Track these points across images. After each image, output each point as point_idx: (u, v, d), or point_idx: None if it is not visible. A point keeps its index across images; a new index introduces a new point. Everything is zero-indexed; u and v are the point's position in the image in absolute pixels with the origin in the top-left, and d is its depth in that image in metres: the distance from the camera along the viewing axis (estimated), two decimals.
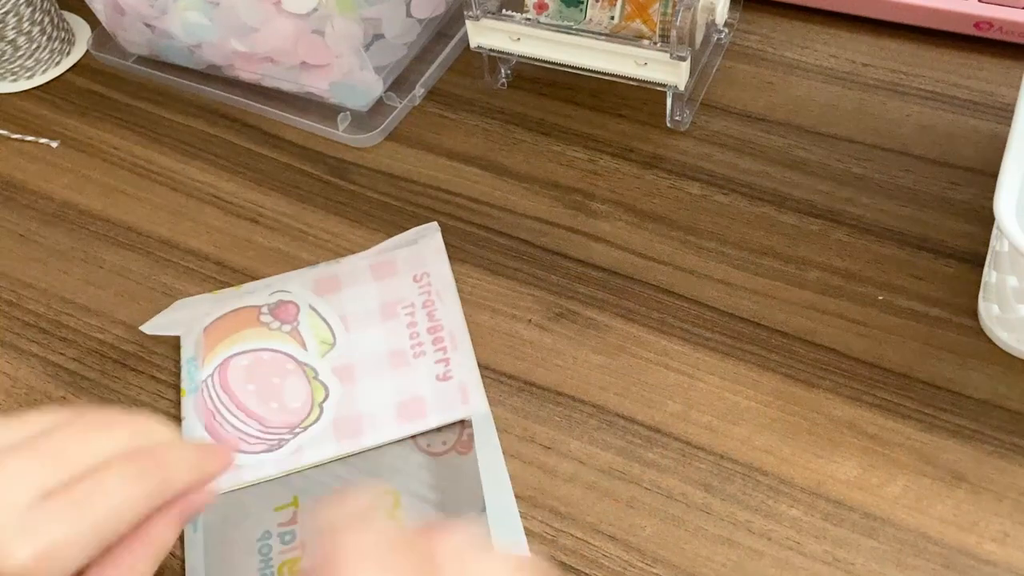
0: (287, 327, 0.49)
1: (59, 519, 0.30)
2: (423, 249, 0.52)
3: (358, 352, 0.48)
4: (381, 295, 0.50)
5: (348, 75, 0.57)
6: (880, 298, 0.48)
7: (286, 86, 0.60)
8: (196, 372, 0.48)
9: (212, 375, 0.47)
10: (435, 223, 0.53)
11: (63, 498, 0.31)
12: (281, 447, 0.45)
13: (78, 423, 0.34)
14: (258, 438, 0.45)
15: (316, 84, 0.58)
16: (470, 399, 0.46)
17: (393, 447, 0.45)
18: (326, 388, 0.47)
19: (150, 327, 0.50)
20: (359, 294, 0.50)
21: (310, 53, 0.56)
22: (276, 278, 0.52)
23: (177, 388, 0.49)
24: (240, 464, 0.45)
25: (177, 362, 0.50)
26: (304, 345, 0.48)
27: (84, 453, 0.32)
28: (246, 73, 0.60)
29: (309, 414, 0.46)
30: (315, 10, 0.53)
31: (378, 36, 0.59)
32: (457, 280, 0.51)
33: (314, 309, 0.49)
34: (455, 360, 0.47)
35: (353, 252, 0.53)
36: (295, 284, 0.51)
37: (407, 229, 0.54)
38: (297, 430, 0.46)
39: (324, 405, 0.46)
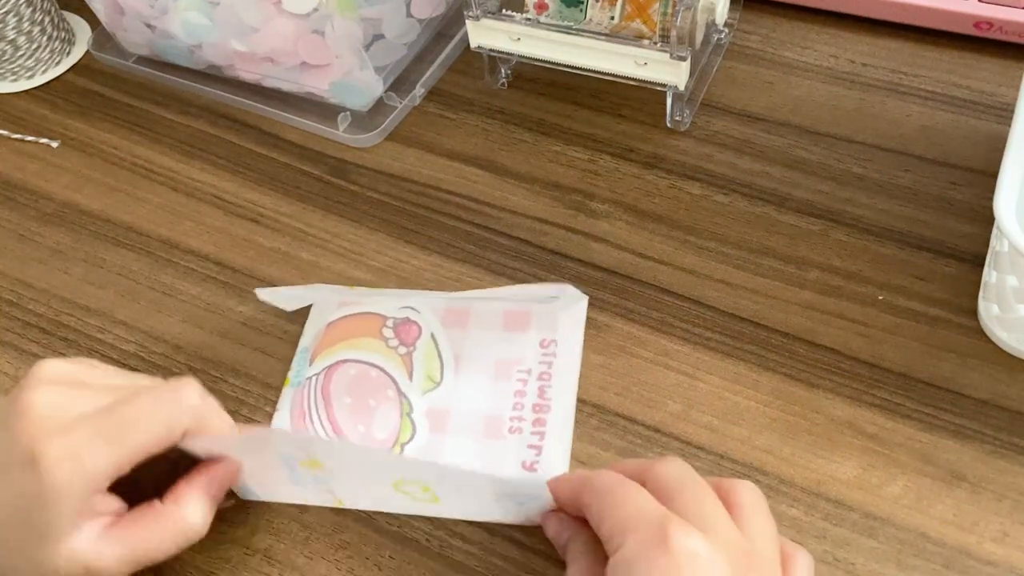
0: (404, 349, 0.48)
1: (113, 445, 0.36)
2: (562, 314, 0.48)
3: (458, 401, 0.46)
4: (503, 349, 0.47)
5: (348, 75, 0.57)
6: (880, 298, 0.48)
7: (286, 86, 0.60)
8: (305, 366, 0.47)
9: (319, 375, 0.47)
10: (584, 296, 0.49)
11: (113, 429, 0.37)
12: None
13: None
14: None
15: (316, 84, 0.58)
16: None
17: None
18: (414, 428, 0.45)
19: (268, 295, 0.48)
20: (483, 339, 0.48)
21: (310, 53, 0.56)
22: (412, 292, 0.50)
23: None
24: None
25: (177, 362, 0.50)
26: (410, 375, 0.47)
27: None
28: (246, 73, 0.60)
29: (389, 452, 0.44)
30: (315, 10, 0.53)
31: (378, 36, 0.59)
32: (457, 280, 0.51)
33: (434, 339, 0.48)
34: (547, 450, 0.44)
35: (353, 252, 0.53)
36: (426, 305, 0.49)
37: (408, 229, 0.54)
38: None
39: (406, 447, 0.45)
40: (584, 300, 0.49)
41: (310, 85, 0.58)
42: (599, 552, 0.36)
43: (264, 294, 0.49)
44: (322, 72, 0.57)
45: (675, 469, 0.37)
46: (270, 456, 0.41)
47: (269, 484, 0.43)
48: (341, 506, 0.43)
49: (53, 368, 0.38)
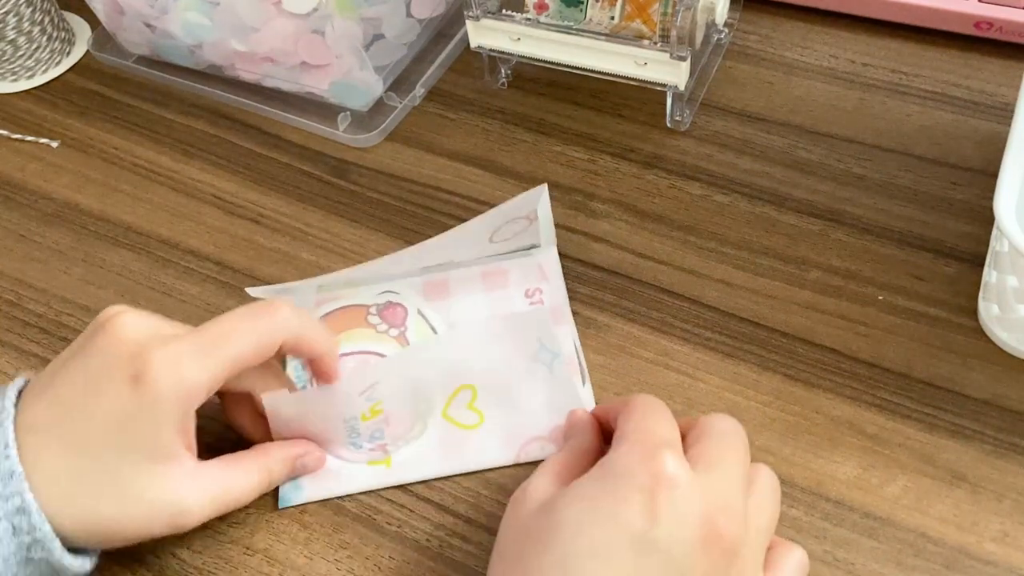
0: (395, 331, 0.48)
1: (211, 357, 0.38)
2: (540, 260, 0.50)
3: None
4: (492, 307, 0.49)
5: (348, 75, 0.57)
6: (880, 298, 0.48)
7: (286, 86, 0.60)
8: (302, 370, 0.47)
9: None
10: (553, 242, 0.50)
11: (209, 343, 0.38)
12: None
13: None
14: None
15: (316, 84, 0.58)
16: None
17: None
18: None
19: (260, 292, 0.48)
20: (469, 304, 0.49)
21: (310, 53, 0.56)
22: (383, 272, 0.49)
23: None
24: (339, 473, 0.44)
25: None
26: None
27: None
28: (246, 73, 0.60)
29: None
30: (315, 10, 0.53)
31: (378, 36, 0.59)
32: None
33: (422, 315, 0.48)
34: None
35: (353, 252, 0.53)
36: (404, 285, 0.50)
37: (408, 229, 0.54)
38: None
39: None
40: (553, 247, 0.50)
41: (310, 85, 0.58)
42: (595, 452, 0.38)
43: (255, 292, 0.49)
44: (322, 72, 0.57)
45: (721, 423, 0.38)
46: (335, 415, 0.43)
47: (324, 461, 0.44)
48: (387, 470, 0.44)
49: (126, 307, 0.39)
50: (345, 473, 0.44)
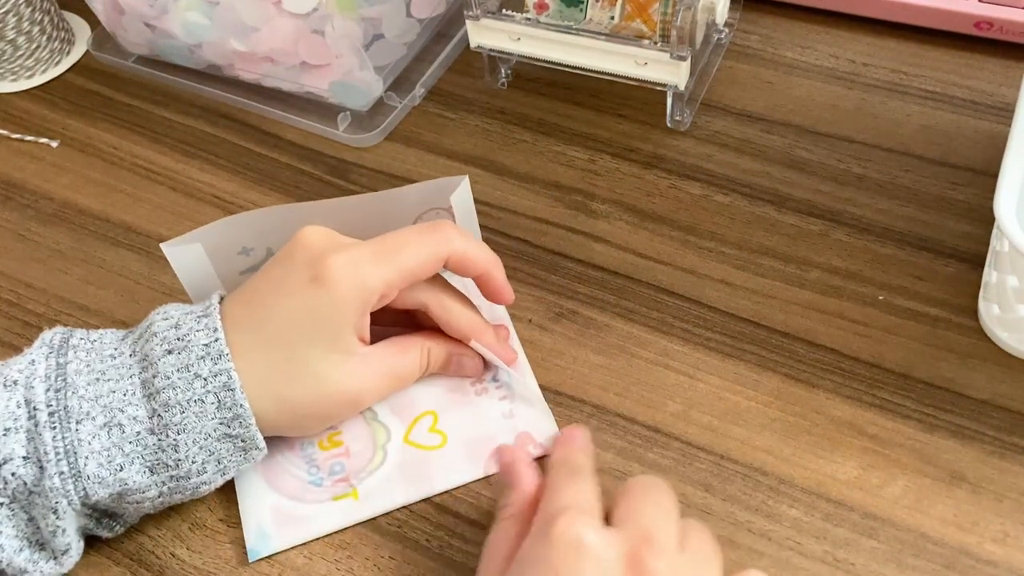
0: None
1: (385, 264, 0.42)
2: (455, 202, 0.47)
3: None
4: None
5: (348, 75, 0.57)
6: (880, 298, 0.48)
7: (286, 86, 0.60)
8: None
9: None
10: (464, 176, 0.47)
11: (383, 252, 0.42)
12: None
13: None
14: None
15: (316, 84, 0.58)
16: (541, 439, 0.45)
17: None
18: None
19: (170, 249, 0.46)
20: None
21: (310, 53, 0.56)
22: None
23: None
24: (306, 516, 0.43)
25: None
26: None
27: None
28: (246, 73, 0.60)
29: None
30: (315, 10, 0.53)
31: (378, 36, 0.59)
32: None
33: None
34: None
35: None
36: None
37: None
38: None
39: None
40: (465, 179, 0.47)
41: (310, 85, 0.58)
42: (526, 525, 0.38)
43: (166, 246, 0.46)
44: (322, 72, 0.57)
45: (643, 480, 0.38)
46: (293, 447, 0.45)
47: None
48: (356, 503, 0.43)
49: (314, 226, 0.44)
50: (313, 515, 0.43)
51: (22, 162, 0.61)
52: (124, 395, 0.40)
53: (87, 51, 0.67)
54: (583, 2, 0.54)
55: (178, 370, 0.40)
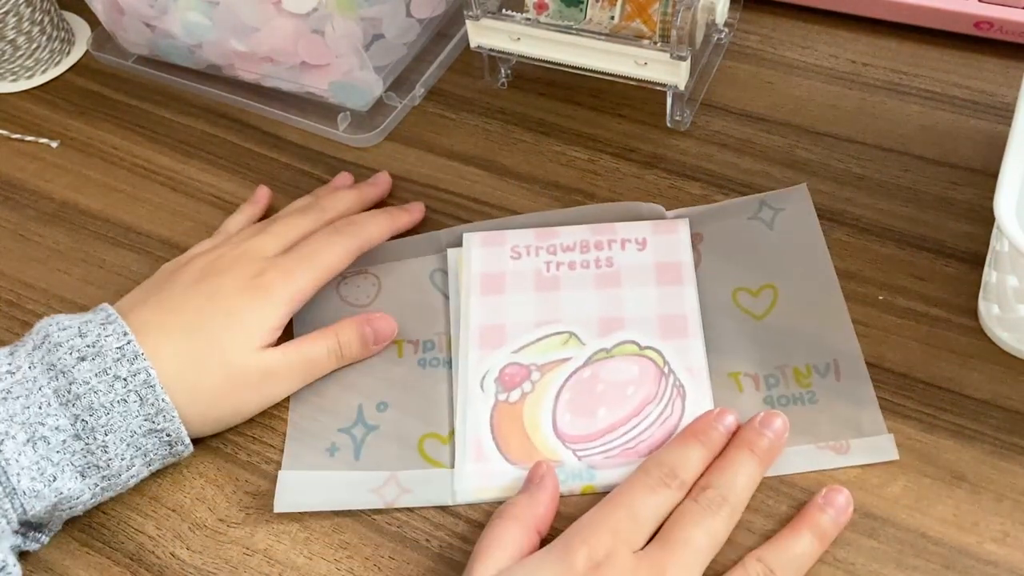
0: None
1: (311, 270, 0.47)
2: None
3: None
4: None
5: (348, 75, 0.57)
6: (880, 298, 0.48)
7: (286, 86, 0.59)
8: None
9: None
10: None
11: (295, 254, 0.48)
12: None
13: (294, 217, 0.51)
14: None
15: (316, 84, 0.58)
16: None
17: None
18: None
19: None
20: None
21: (310, 53, 0.56)
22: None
23: None
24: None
25: None
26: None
27: (300, 228, 0.50)
28: (246, 73, 0.60)
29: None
30: (315, 10, 0.53)
31: (378, 36, 0.59)
32: None
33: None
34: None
35: None
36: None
37: (416, 233, 0.54)
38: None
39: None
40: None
41: (310, 85, 0.58)
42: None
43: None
44: (322, 72, 0.57)
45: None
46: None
47: None
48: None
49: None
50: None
51: (22, 162, 0.61)
52: (40, 408, 0.41)
53: (87, 51, 0.67)
54: (583, 2, 0.54)
55: (96, 374, 0.41)
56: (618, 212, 0.51)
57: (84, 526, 0.45)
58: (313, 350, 0.46)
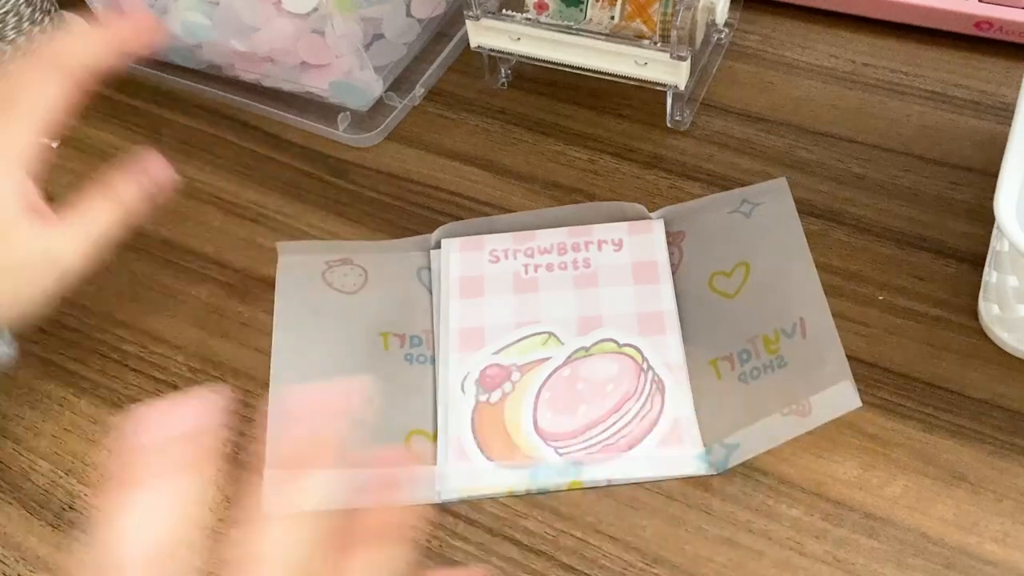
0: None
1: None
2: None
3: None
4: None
5: (348, 75, 0.57)
6: (880, 298, 0.48)
7: (286, 86, 0.59)
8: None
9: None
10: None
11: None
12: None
13: None
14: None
15: (316, 84, 0.58)
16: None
17: None
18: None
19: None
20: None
21: (310, 53, 0.56)
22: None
23: (175, 387, 0.49)
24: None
25: (177, 362, 0.50)
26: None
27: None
28: (246, 73, 0.60)
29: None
30: (315, 10, 0.53)
31: (378, 36, 0.59)
32: None
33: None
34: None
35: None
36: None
37: (408, 229, 0.54)
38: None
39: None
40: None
41: (310, 85, 0.58)
42: None
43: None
44: (322, 72, 0.57)
45: None
46: None
47: None
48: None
49: None
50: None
51: None
52: None
53: None
54: (583, 2, 0.54)
55: None
56: (601, 212, 0.51)
57: (84, 526, 0.45)
58: (100, 219, 0.43)
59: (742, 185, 0.53)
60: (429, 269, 0.51)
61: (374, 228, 0.54)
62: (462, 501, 0.44)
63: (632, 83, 0.55)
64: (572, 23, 0.54)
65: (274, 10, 0.54)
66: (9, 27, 0.63)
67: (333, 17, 0.53)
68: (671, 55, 0.52)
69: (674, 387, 0.45)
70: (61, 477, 0.47)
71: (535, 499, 0.43)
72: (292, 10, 0.53)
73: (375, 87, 0.58)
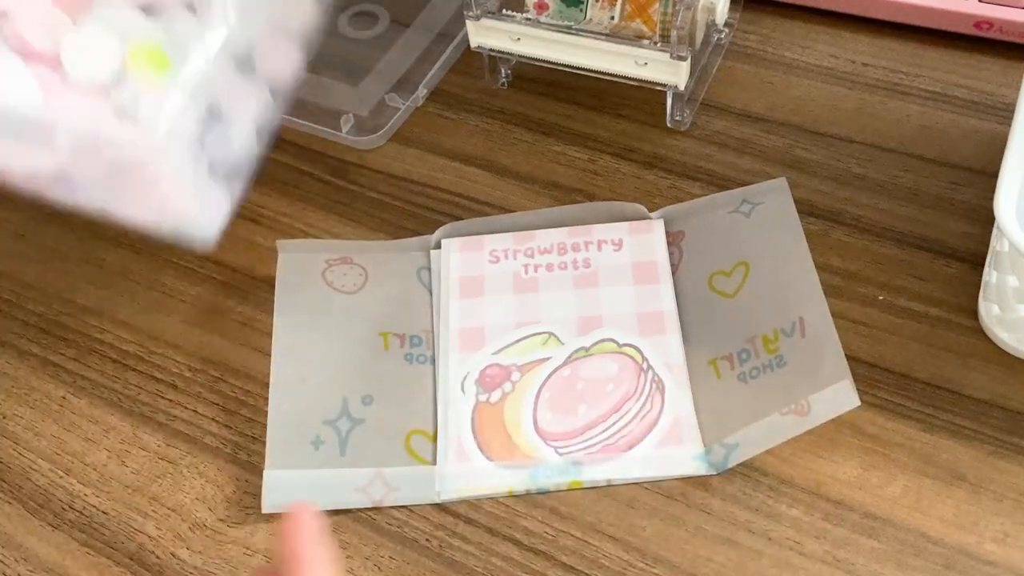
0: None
1: None
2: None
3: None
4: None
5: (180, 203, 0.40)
6: (880, 298, 0.48)
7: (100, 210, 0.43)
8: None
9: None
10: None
11: None
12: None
13: None
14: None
15: (137, 214, 0.42)
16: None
17: None
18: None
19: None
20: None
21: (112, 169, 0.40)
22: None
23: (175, 387, 0.49)
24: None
25: (177, 362, 0.50)
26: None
27: None
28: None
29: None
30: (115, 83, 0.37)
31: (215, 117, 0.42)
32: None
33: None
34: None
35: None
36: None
37: (408, 229, 0.54)
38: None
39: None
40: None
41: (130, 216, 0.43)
42: None
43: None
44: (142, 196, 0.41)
45: None
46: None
47: None
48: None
49: None
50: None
51: None
52: None
53: None
54: (583, 2, 0.54)
55: None
56: (601, 212, 0.52)
57: (84, 526, 0.45)
58: None
59: (742, 185, 0.53)
60: (429, 269, 0.51)
61: (374, 228, 0.54)
62: (462, 501, 0.44)
63: (632, 83, 0.55)
64: (572, 23, 0.54)
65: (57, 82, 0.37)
66: None
67: (139, 95, 0.36)
68: (671, 55, 0.52)
69: (674, 387, 0.45)
70: (61, 477, 0.47)
71: (535, 499, 0.43)
72: (81, 79, 0.36)
73: (220, 210, 0.42)
